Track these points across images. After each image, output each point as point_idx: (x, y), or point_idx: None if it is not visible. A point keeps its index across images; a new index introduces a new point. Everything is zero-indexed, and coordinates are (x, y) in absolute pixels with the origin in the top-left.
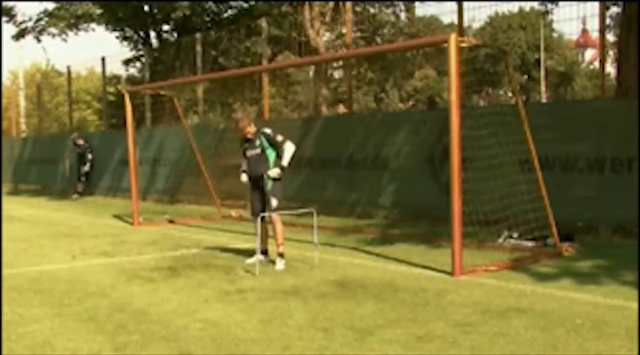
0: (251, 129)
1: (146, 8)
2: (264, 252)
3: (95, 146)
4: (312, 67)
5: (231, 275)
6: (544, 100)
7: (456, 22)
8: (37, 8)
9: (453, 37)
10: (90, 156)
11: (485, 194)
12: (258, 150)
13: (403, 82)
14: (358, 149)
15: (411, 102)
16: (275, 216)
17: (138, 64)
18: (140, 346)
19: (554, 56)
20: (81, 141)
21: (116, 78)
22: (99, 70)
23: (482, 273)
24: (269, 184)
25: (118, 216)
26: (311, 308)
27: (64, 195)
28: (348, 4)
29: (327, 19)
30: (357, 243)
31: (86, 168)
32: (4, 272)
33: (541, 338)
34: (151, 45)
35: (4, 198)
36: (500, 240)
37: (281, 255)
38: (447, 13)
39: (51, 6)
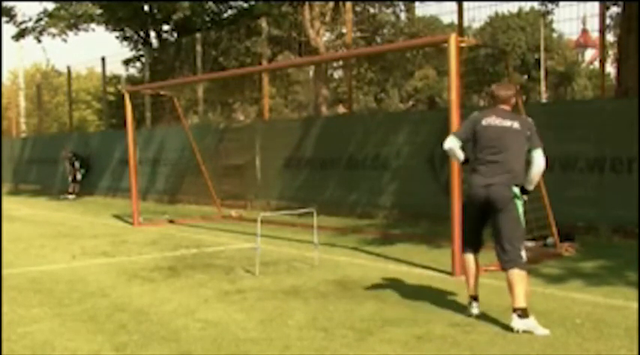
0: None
1: (146, 8)
2: (475, 298)
3: (95, 146)
4: (312, 67)
5: (231, 275)
6: (544, 100)
7: (456, 22)
8: (37, 8)
9: (453, 37)
10: (77, 165)
11: None
12: (518, 130)
13: (403, 81)
14: (358, 149)
15: (411, 102)
16: (518, 271)
17: (138, 64)
18: (140, 346)
19: (554, 56)
20: (63, 153)
21: (116, 78)
22: (99, 70)
23: (482, 273)
24: (517, 207)
25: (118, 216)
26: (311, 308)
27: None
28: (348, 4)
29: (327, 19)
30: (357, 243)
31: (73, 176)
32: (4, 272)
33: (541, 338)
34: (151, 45)
35: (4, 198)
36: None
37: (520, 313)
38: (447, 13)
39: (51, 6)
